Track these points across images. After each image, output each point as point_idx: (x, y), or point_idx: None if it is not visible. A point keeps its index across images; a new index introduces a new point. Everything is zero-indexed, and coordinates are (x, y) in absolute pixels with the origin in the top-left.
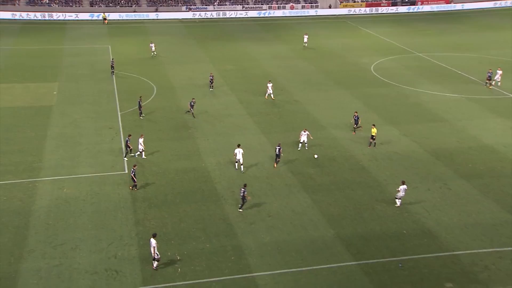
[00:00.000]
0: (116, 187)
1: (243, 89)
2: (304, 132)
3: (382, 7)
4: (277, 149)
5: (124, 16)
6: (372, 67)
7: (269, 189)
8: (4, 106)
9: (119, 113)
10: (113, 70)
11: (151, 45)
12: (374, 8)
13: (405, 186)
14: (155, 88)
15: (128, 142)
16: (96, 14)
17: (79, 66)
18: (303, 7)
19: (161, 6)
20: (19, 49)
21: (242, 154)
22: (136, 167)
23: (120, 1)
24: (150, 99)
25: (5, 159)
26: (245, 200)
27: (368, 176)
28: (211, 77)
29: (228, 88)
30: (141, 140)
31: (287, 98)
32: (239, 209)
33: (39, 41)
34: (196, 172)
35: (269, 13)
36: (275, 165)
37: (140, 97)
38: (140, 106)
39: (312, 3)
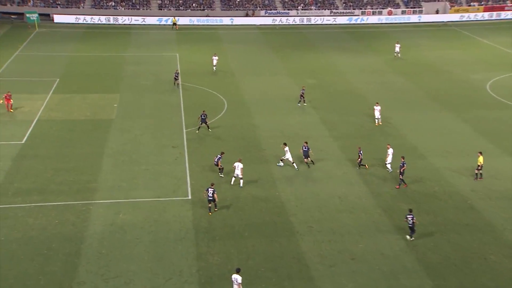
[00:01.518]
0: (177, 215)
1: (326, 107)
2: (388, 148)
3: (506, 12)
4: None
5: (195, 21)
6: (487, 85)
7: (353, 226)
8: (61, 119)
9: (184, 130)
10: (176, 82)
11: (214, 57)
12: (494, 13)
13: None
14: (225, 103)
15: (219, 160)
16: (164, 18)
17: (143, 76)
18: (403, 12)
19: (237, 10)
20: (80, 56)
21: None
22: (213, 186)
23: (192, 4)
24: (219, 115)
25: (59, 177)
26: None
27: (479, 218)
28: (302, 91)
29: (308, 106)
30: (239, 165)
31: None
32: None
33: (101, 47)
34: (269, 202)
35: (362, 19)
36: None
37: (204, 111)
38: (204, 121)
39: (415, 8)
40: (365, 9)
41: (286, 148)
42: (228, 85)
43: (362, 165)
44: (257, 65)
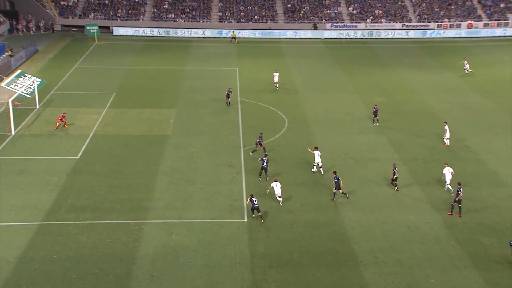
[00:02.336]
0: (232, 238)
1: (395, 128)
2: (446, 167)
3: None
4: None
5: (257, 33)
6: None
7: (424, 259)
8: (116, 134)
9: (242, 149)
10: (228, 100)
11: (274, 74)
12: None
13: None
14: (286, 121)
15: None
16: (225, 31)
17: (201, 91)
18: (485, 25)
19: (301, 22)
20: (138, 69)
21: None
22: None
23: (253, 17)
24: (279, 134)
25: (112, 195)
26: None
27: None
28: (374, 109)
29: (376, 125)
30: (278, 184)
31: (454, 142)
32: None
33: (160, 61)
34: (330, 228)
35: (438, 33)
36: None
37: (261, 134)
38: (260, 144)
39: (499, 20)
40: (441, 21)
41: (316, 152)
42: (289, 102)
43: (395, 185)
44: (321, 81)
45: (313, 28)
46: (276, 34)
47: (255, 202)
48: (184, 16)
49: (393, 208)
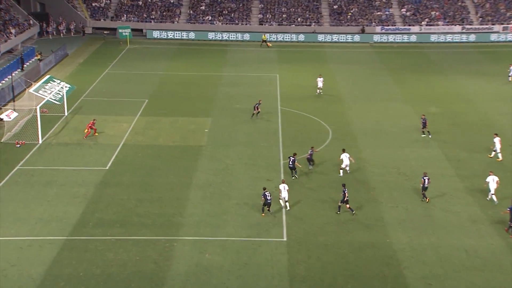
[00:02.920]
0: (270, 258)
1: (451, 141)
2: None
3: None
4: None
5: (300, 37)
6: None
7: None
8: (147, 144)
9: (281, 162)
10: (256, 112)
11: (318, 79)
12: None
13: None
14: (330, 132)
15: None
16: (268, 34)
17: (238, 99)
18: None
19: (348, 25)
20: (172, 75)
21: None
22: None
23: (296, 19)
24: (322, 146)
25: (142, 209)
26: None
27: None
28: (423, 120)
29: (430, 138)
30: (285, 187)
31: None
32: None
33: (195, 66)
34: (377, 250)
35: (503, 37)
36: None
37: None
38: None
39: None
40: (508, 23)
41: (344, 155)
42: (334, 112)
43: (423, 195)
44: (369, 89)
45: (361, 32)
46: (321, 37)
47: (269, 197)
48: (222, 18)
49: (449, 230)
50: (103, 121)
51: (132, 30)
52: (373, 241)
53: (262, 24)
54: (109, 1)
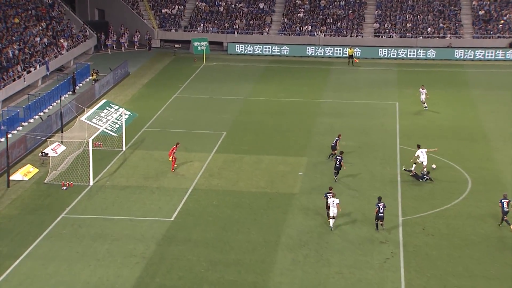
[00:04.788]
0: None
1: None
2: None
3: None
4: None
5: (430, 53)
6: None
7: None
8: (224, 189)
9: (400, 219)
10: (333, 152)
11: (421, 90)
12: None
13: None
14: (468, 181)
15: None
16: (383, 49)
17: (343, 133)
18: None
19: (498, 37)
20: (258, 100)
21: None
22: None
23: (426, 29)
24: (458, 200)
25: (215, 274)
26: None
27: None
28: None
29: None
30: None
31: None
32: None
33: (288, 89)
34: None
35: None
36: None
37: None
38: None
39: None
40: None
41: (420, 151)
42: (475, 154)
43: (506, 221)
44: None
45: (509, 46)
46: (459, 53)
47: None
48: (325, 28)
49: None
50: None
51: (210, 43)
52: None
53: (378, 36)
54: (182, 7)
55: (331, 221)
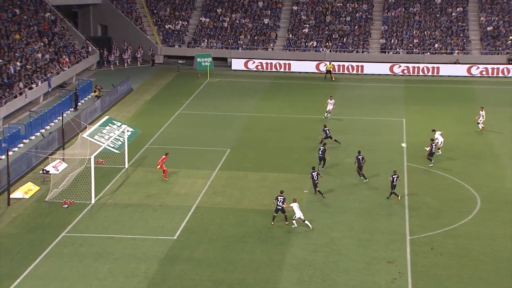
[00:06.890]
0: None
1: None
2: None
3: None
4: None
5: (439, 69)
6: None
7: None
8: (228, 207)
9: (407, 237)
10: (321, 160)
11: (329, 101)
12: None
13: None
14: (478, 200)
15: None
16: (387, 65)
17: (348, 150)
18: None
19: (507, 53)
20: (262, 117)
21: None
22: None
23: (433, 45)
24: (466, 219)
25: None
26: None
27: None
28: None
29: None
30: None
31: None
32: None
33: (294, 106)
34: None
35: None
36: None
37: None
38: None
39: None
40: None
41: (439, 133)
42: (484, 172)
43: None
44: None
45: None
46: (465, 69)
47: (279, 204)
48: (330, 44)
49: None
50: (173, 175)
51: (214, 59)
52: None
53: (384, 52)
54: (186, 23)
55: (307, 222)
